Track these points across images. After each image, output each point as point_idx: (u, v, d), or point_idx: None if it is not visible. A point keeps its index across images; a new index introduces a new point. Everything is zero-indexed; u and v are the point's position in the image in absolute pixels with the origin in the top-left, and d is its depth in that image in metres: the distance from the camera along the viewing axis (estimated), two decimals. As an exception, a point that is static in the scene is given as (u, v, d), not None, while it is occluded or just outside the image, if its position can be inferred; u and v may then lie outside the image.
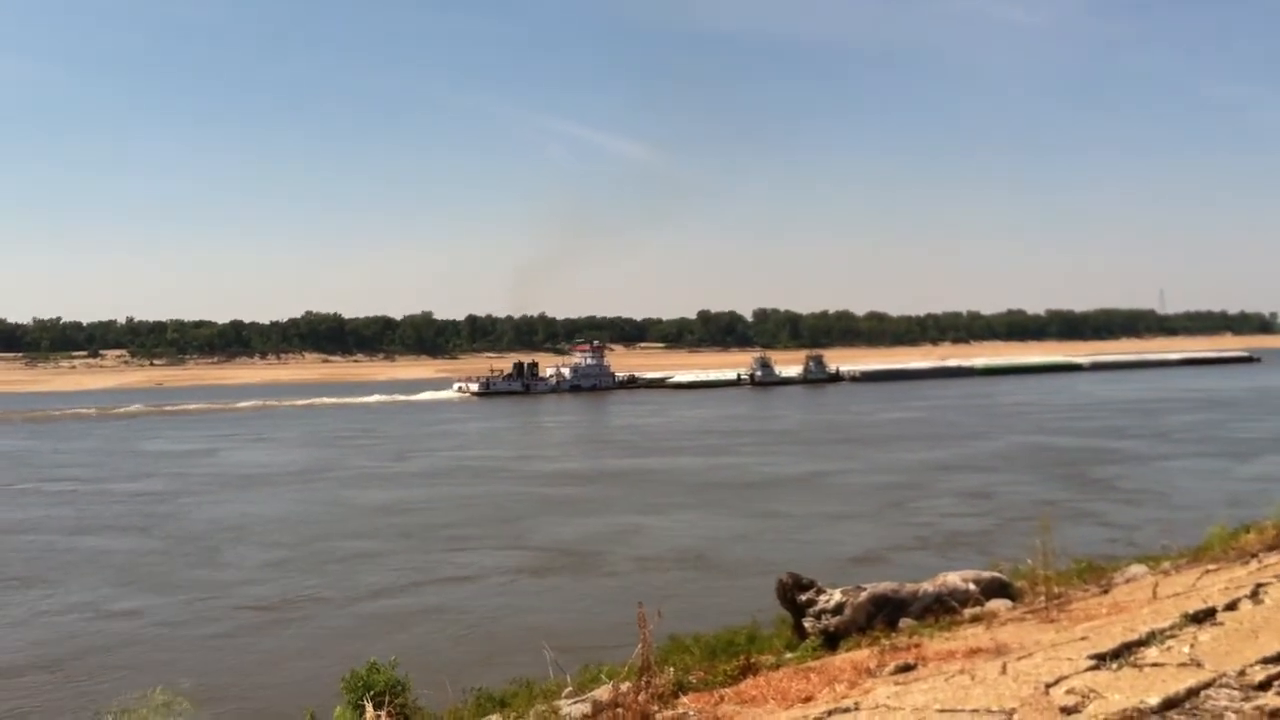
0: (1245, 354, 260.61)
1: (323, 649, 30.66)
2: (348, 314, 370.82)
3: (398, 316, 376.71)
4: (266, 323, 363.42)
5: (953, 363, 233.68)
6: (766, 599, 18.11)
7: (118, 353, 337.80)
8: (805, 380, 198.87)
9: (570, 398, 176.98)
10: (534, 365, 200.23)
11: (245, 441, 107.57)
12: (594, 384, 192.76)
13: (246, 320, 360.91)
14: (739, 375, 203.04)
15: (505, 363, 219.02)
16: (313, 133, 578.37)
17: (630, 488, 66.14)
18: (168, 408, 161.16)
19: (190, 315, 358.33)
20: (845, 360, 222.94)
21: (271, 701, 26.20)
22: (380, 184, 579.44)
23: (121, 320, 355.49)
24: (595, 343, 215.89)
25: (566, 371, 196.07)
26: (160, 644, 33.78)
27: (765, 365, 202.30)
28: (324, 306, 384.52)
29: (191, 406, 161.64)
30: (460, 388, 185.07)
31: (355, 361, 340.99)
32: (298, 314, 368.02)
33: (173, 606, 38.58)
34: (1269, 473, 63.13)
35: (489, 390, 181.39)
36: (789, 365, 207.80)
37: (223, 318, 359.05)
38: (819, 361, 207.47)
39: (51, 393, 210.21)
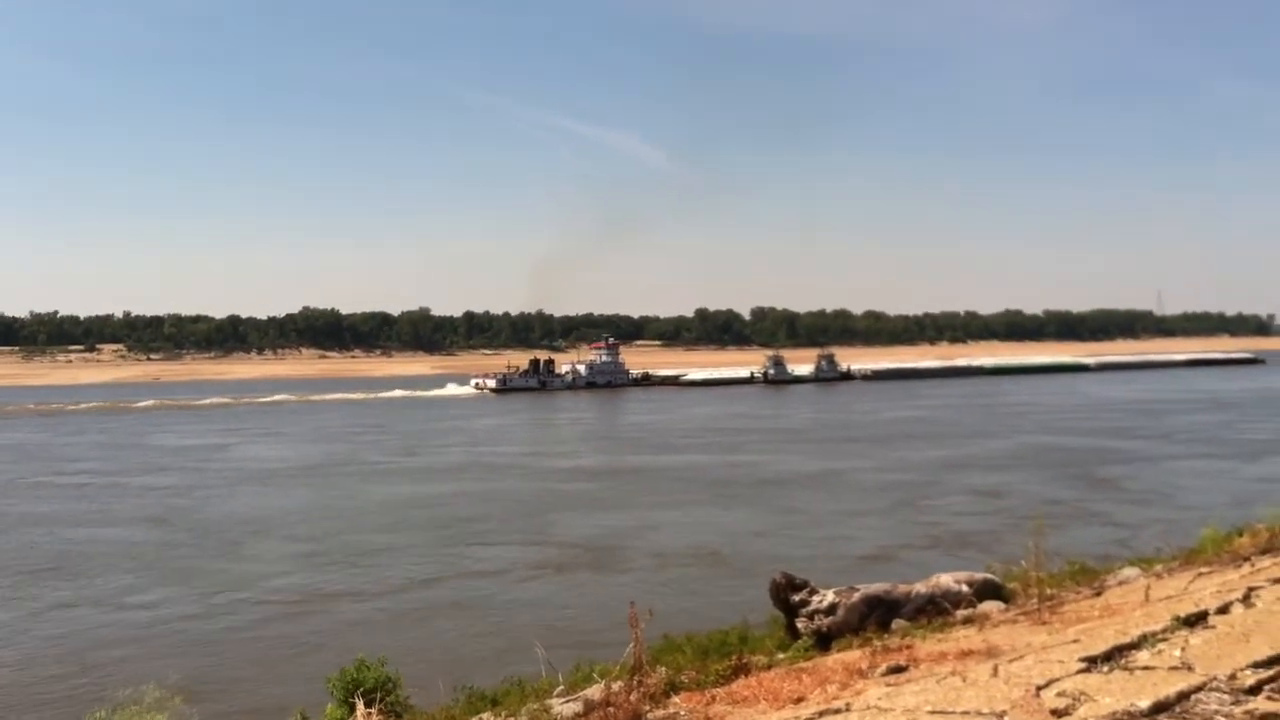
0: (1250, 355, 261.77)
1: (333, 644, 30.58)
2: (345, 310, 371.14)
3: (395, 313, 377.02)
4: (264, 318, 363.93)
5: (961, 362, 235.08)
6: (764, 598, 18.11)
7: (114, 347, 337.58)
8: (817, 379, 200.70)
9: (585, 394, 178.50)
10: (550, 362, 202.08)
11: (255, 436, 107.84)
12: (609, 381, 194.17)
13: (244, 315, 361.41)
14: (752, 374, 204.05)
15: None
16: (310, 127, 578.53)
17: (646, 484, 66.59)
18: (180, 402, 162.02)
19: (187, 310, 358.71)
20: (851, 359, 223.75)
21: (272, 697, 26.22)
22: (379, 179, 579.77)
23: (119, 314, 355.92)
24: (610, 340, 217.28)
25: (582, 369, 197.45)
26: (172, 637, 33.91)
27: (778, 363, 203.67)
28: (321, 302, 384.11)
29: (205, 401, 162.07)
30: (478, 384, 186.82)
31: (352, 358, 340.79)
32: (295, 309, 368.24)
33: (190, 600, 38.75)
34: (1274, 473, 63.52)
35: (506, 386, 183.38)
36: (800, 364, 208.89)
37: (220, 313, 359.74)
38: (831, 360, 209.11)
39: (48, 386, 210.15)
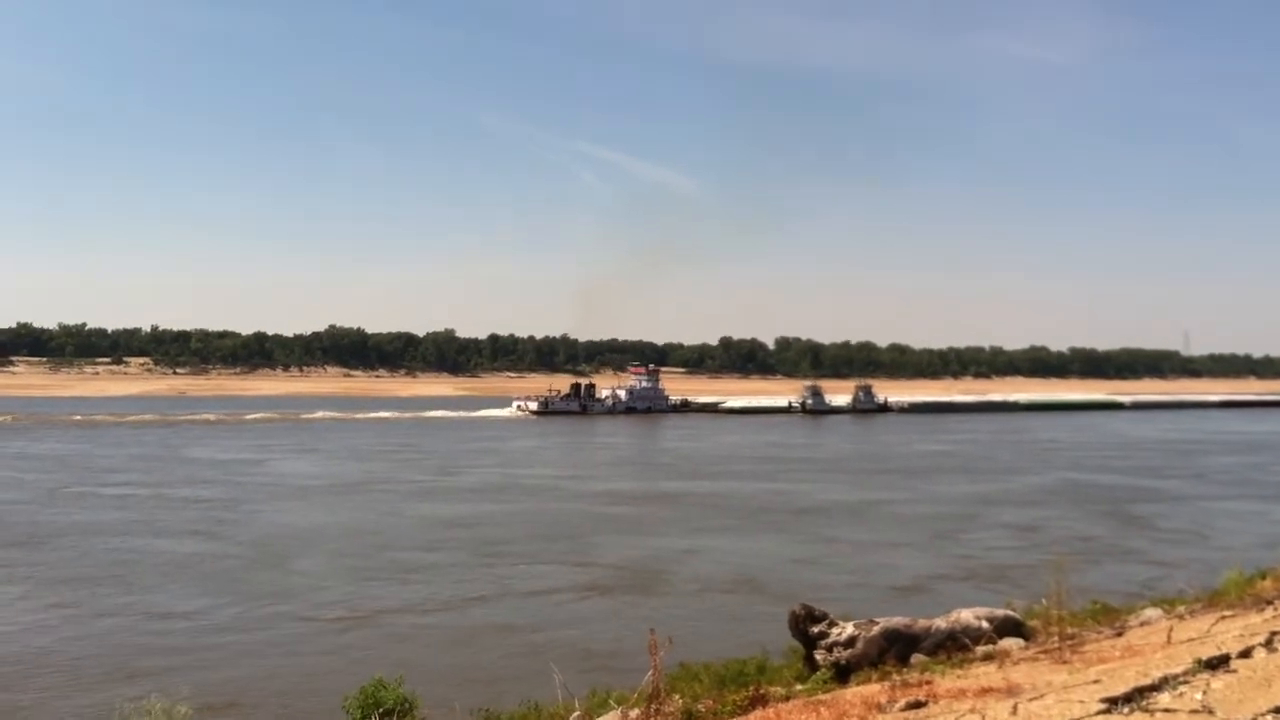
0: None
1: (368, 660, 30.37)
2: (371, 329, 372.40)
3: (420, 333, 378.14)
4: (290, 335, 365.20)
5: (997, 397, 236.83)
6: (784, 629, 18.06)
7: (141, 360, 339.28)
8: (855, 410, 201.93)
9: (625, 419, 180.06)
10: (591, 386, 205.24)
11: (290, 452, 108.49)
12: (649, 406, 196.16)
13: (270, 333, 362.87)
14: (790, 403, 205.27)
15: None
16: (339, 148, 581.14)
17: (686, 510, 66.91)
18: (241, 415, 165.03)
19: (214, 325, 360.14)
20: (887, 392, 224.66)
21: (300, 713, 26.21)
22: (408, 200, 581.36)
23: (146, 328, 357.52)
24: (651, 366, 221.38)
25: (622, 393, 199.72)
26: (216, 649, 34.16)
27: (816, 394, 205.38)
28: (347, 321, 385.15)
29: (253, 416, 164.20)
30: (520, 406, 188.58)
31: (377, 377, 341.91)
32: (321, 328, 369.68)
33: (237, 612, 39.07)
34: None
35: (547, 409, 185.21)
36: (838, 394, 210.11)
37: (246, 329, 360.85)
38: (868, 392, 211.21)
39: (75, 398, 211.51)
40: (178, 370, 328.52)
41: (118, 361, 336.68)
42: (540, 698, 16.87)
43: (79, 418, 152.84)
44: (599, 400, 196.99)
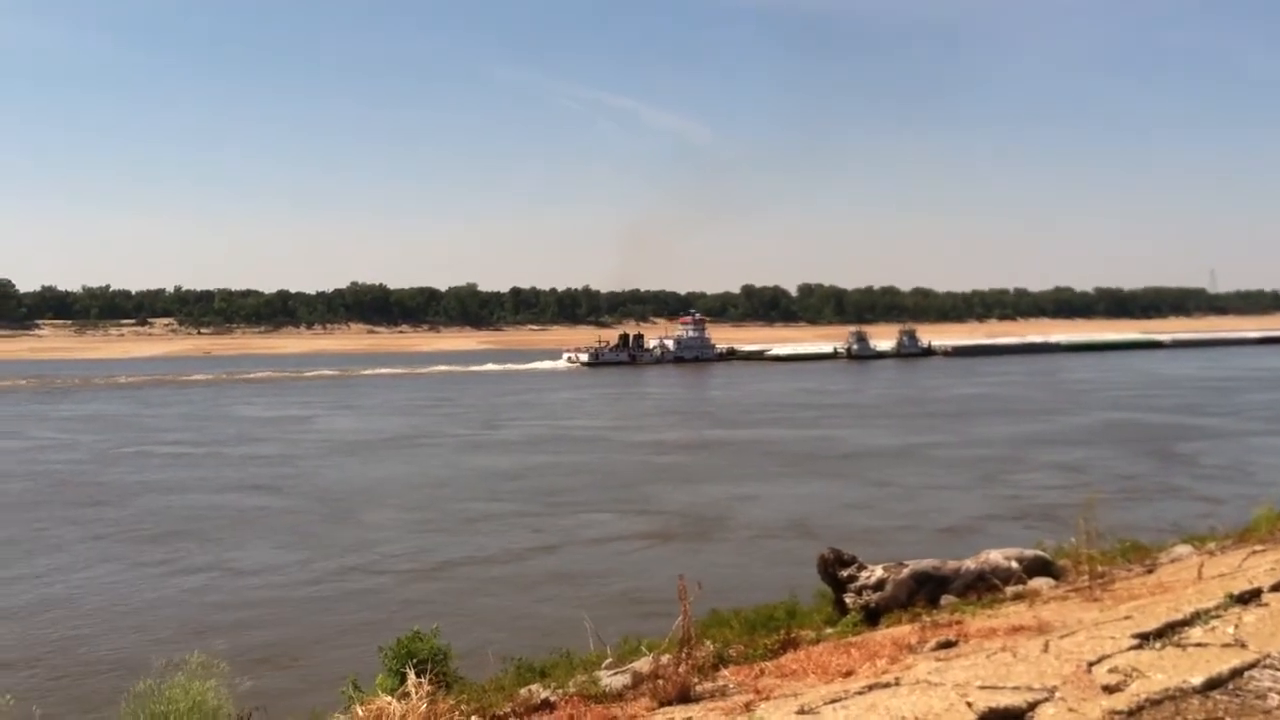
0: None
1: (426, 612, 30.69)
2: (393, 285, 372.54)
3: (442, 288, 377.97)
4: (313, 293, 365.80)
5: (1037, 339, 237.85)
6: (804, 574, 18.11)
7: (165, 321, 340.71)
8: (899, 354, 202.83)
9: (673, 369, 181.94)
10: (640, 337, 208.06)
11: (334, 408, 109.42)
12: (696, 355, 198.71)
13: (293, 290, 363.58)
14: (835, 349, 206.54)
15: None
16: (359, 104, 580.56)
17: (736, 457, 67.69)
18: (300, 372, 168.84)
19: (237, 285, 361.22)
20: (931, 335, 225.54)
21: (343, 662, 26.48)
22: (428, 156, 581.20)
23: (170, 289, 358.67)
24: (696, 315, 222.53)
25: (670, 344, 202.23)
26: (277, 602, 34.94)
27: (861, 339, 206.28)
28: (369, 277, 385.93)
29: (312, 373, 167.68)
30: (570, 358, 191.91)
31: (400, 333, 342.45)
32: (343, 285, 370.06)
33: (300, 564, 39.94)
34: None
35: (598, 361, 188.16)
36: (882, 340, 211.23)
37: (269, 287, 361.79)
38: (912, 336, 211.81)
39: (103, 359, 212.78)
40: (202, 330, 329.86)
41: (142, 323, 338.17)
42: (578, 645, 16.98)
43: (124, 379, 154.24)
44: (648, 351, 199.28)
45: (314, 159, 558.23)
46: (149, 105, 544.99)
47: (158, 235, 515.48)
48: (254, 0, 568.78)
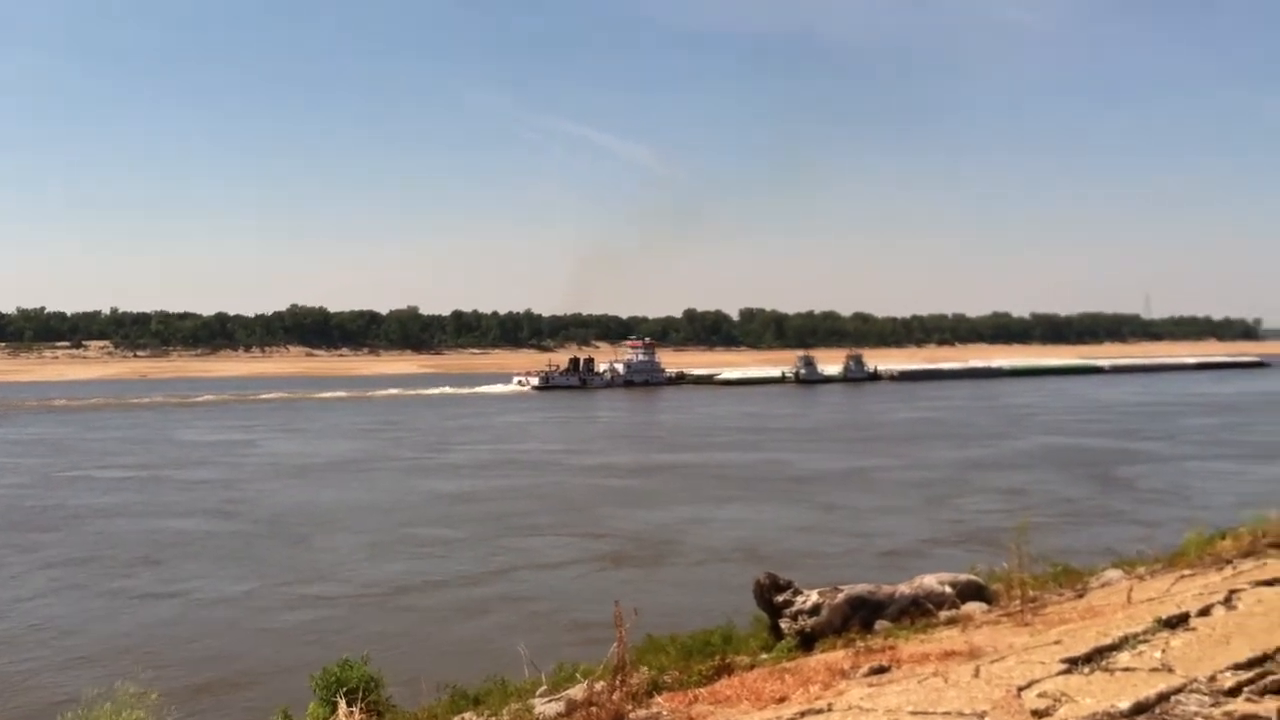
0: (1256, 359, 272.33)
1: (373, 638, 30.29)
2: (333, 308, 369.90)
3: (383, 311, 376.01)
4: (251, 315, 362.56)
5: (980, 364, 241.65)
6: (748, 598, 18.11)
7: (101, 344, 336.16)
8: (846, 379, 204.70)
9: (624, 392, 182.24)
10: (590, 361, 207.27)
11: (276, 432, 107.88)
12: (646, 379, 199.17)
13: (231, 313, 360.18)
14: (784, 373, 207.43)
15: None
16: (299, 125, 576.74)
17: (686, 480, 67.65)
18: (244, 395, 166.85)
19: (175, 307, 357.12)
20: (874, 360, 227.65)
21: (282, 692, 26.19)
22: (370, 178, 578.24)
23: (106, 311, 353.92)
24: (647, 340, 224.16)
25: (620, 367, 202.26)
26: (220, 627, 34.47)
27: (809, 364, 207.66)
28: (310, 300, 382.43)
29: (264, 396, 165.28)
30: (520, 381, 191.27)
31: (340, 356, 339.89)
32: (283, 307, 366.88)
33: (247, 590, 39.36)
34: None
35: (549, 384, 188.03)
36: (830, 364, 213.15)
37: (207, 310, 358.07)
38: (859, 361, 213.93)
39: (38, 382, 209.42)
40: (138, 353, 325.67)
41: (77, 345, 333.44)
42: (516, 672, 16.87)
43: (61, 402, 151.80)
44: (598, 375, 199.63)
45: (254, 180, 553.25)
46: (89, 125, 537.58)
47: (94, 256, 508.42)
48: (195, 20, 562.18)
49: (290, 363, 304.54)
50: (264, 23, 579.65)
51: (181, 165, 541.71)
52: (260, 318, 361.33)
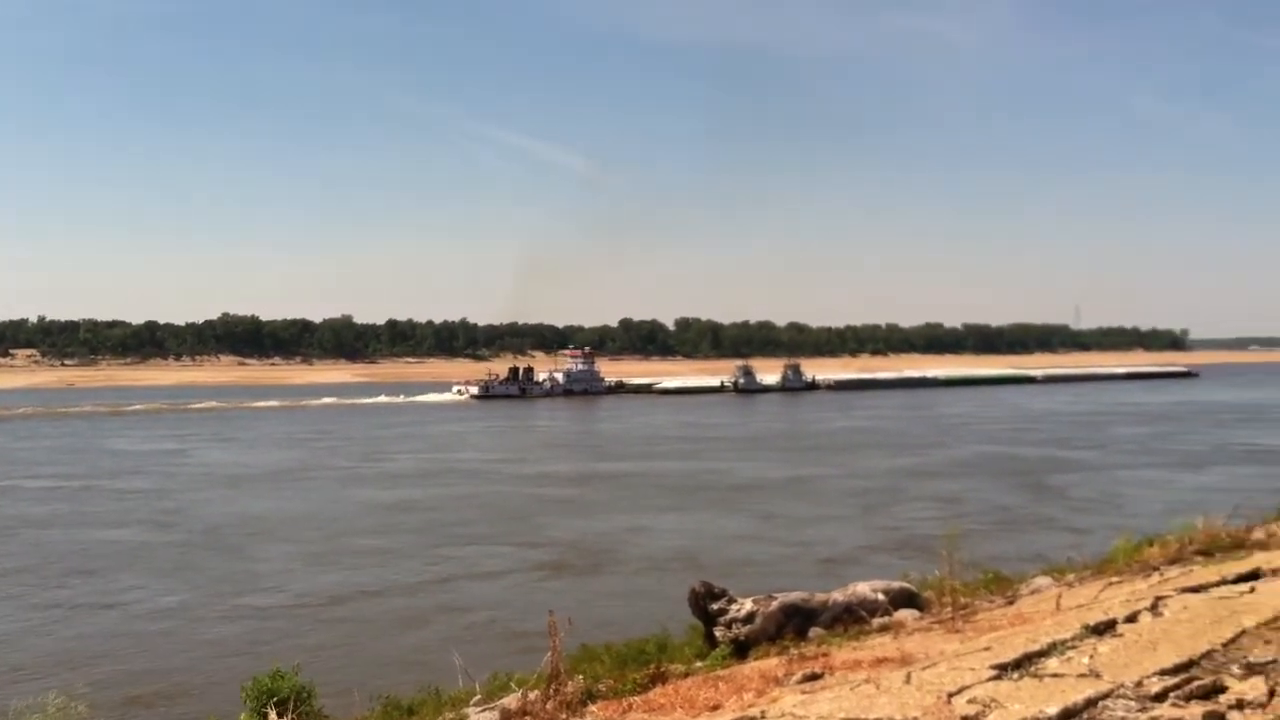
0: (1185, 369, 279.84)
1: (305, 648, 30.11)
2: (266, 317, 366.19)
3: (317, 320, 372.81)
4: (182, 324, 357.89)
5: (915, 374, 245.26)
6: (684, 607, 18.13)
7: (28, 352, 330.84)
8: (784, 388, 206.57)
9: (563, 401, 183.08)
10: (530, 370, 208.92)
11: (209, 442, 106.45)
12: (585, 389, 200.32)
13: (161, 321, 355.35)
14: (722, 383, 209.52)
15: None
16: (229, 132, 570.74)
17: (626, 489, 67.64)
18: (179, 404, 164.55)
19: (103, 315, 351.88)
20: (809, 369, 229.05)
21: (206, 705, 25.81)
22: (302, 186, 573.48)
23: (33, 319, 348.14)
24: (586, 349, 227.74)
25: (560, 376, 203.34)
26: (154, 637, 33.91)
27: (748, 373, 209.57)
28: (241, 309, 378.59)
29: (198, 406, 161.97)
30: (460, 390, 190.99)
31: (272, 364, 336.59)
32: (214, 316, 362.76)
33: (181, 601, 38.65)
34: (1210, 483, 64.98)
35: (488, 393, 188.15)
36: (768, 374, 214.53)
37: (137, 319, 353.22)
38: (797, 371, 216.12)
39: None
40: (66, 362, 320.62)
41: (3, 354, 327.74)
42: (450, 681, 16.76)
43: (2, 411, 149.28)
44: (538, 384, 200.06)
45: (185, 187, 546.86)
46: (18, 135, 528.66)
47: (21, 264, 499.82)
48: (119, 24, 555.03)
49: (222, 371, 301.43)
50: (193, 29, 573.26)
51: (108, 172, 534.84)
52: (191, 326, 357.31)
